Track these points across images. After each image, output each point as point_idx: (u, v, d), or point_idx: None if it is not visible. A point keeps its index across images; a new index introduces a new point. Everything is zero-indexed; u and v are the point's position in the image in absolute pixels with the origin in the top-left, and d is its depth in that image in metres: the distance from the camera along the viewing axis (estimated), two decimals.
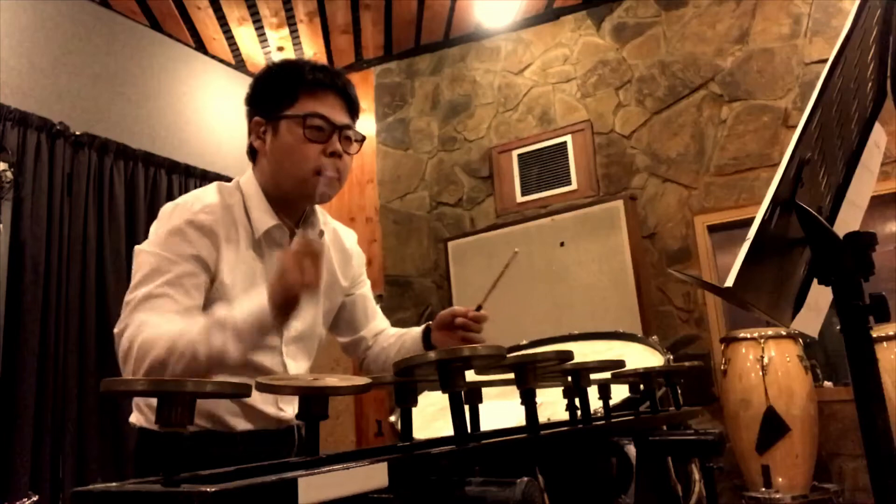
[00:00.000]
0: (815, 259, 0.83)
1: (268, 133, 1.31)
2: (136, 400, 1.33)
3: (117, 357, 1.16)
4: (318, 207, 1.42)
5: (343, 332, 1.55)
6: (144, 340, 1.09)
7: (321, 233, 1.41)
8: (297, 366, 1.37)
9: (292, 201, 1.34)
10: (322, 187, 1.26)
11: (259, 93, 1.35)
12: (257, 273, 1.29)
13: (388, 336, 1.56)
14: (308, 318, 1.38)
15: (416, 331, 1.51)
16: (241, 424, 1.29)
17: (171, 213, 1.24)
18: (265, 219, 1.30)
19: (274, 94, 1.31)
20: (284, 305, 1.10)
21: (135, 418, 1.33)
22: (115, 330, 1.16)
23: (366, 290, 1.56)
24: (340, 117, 1.31)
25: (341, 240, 1.50)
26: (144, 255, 1.20)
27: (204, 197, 1.28)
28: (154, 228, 1.25)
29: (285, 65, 1.34)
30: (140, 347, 1.09)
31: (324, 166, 1.26)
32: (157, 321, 1.12)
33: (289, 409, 1.37)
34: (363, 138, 1.37)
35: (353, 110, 1.35)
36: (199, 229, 1.21)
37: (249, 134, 1.36)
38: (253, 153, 1.37)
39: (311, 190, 1.27)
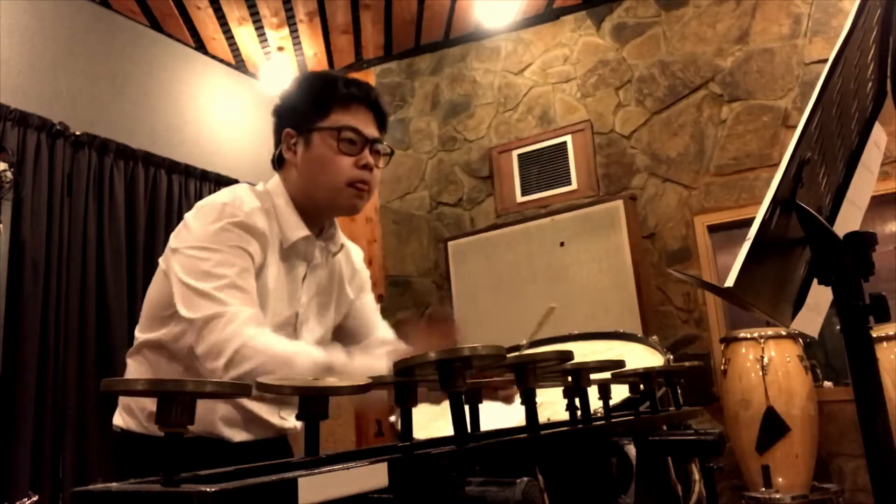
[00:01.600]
0: (815, 259, 0.83)
1: (299, 145, 1.33)
2: (124, 401, 1.32)
3: (199, 345, 1.12)
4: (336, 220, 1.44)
5: (346, 340, 1.54)
6: (248, 345, 1.08)
7: (341, 247, 1.44)
8: None
9: (320, 212, 1.36)
10: (354, 199, 1.31)
11: (291, 104, 1.36)
12: (284, 279, 1.30)
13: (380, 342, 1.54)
14: (319, 331, 1.40)
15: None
16: (239, 436, 1.29)
17: (220, 212, 1.21)
18: (296, 229, 1.30)
19: (307, 106, 1.32)
20: None
21: (120, 420, 1.31)
22: (197, 316, 1.12)
23: (367, 299, 1.56)
24: (372, 131, 1.33)
25: (351, 258, 1.53)
26: (194, 251, 1.17)
27: (246, 199, 1.26)
28: (195, 224, 1.21)
29: (319, 77, 1.38)
30: (248, 350, 1.08)
31: (357, 178, 1.29)
32: (260, 329, 1.11)
33: (291, 418, 1.37)
34: (392, 152, 1.40)
35: (383, 123, 1.38)
36: (249, 230, 1.21)
37: (278, 144, 1.36)
38: (279, 162, 1.37)
39: (345, 201, 1.31)
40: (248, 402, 1.29)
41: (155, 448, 1.19)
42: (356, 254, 1.55)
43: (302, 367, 1.07)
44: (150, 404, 1.24)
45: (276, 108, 1.38)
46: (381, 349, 1.21)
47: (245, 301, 1.14)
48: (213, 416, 1.26)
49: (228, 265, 1.16)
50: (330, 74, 1.37)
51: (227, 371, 1.07)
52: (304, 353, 1.11)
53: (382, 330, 1.57)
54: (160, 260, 1.28)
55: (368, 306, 1.55)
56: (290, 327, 1.32)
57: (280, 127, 1.36)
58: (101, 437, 3.23)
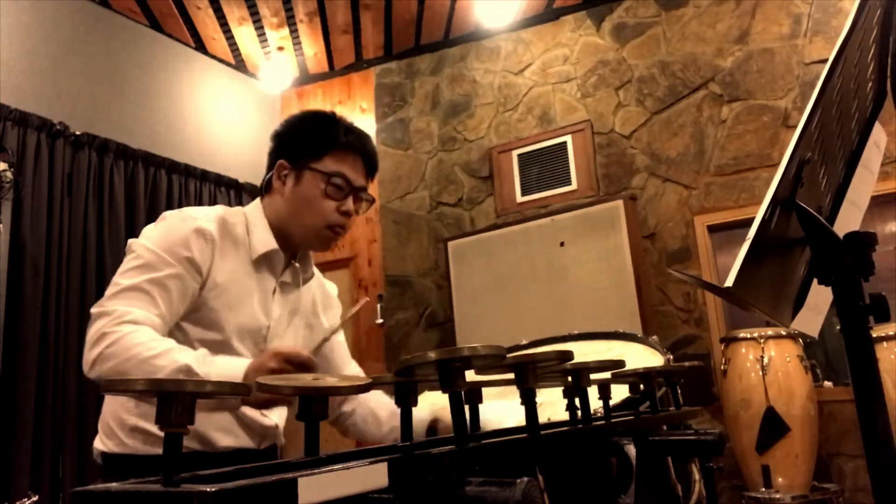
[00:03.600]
0: (815, 259, 0.83)
1: (289, 178, 1.38)
2: (106, 421, 1.31)
3: (87, 332, 1.19)
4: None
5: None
6: (118, 342, 1.13)
7: (312, 275, 1.49)
8: None
9: (295, 241, 1.41)
10: (329, 241, 1.39)
11: (291, 138, 1.41)
12: (252, 289, 1.34)
13: (381, 405, 1.48)
14: (291, 343, 1.42)
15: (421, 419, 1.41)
16: (225, 440, 1.30)
17: (173, 216, 1.30)
18: (265, 241, 1.36)
19: (305, 144, 1.38)
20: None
21: (100, 445, 1.31)
22: (94, 309, 1.20)
23: (341, 338, 1.57)
24: (360, 180, 1.40)
25: (324, 287, 1.57)
26: (139, 247, 1.26)
27: (208, 210, 1.35)
28: (154, 227, 1.30)
29: (323, 119, 1.41)
30: (111, 345, 1.13)
31: (336, 222, 1.37)
32: (136, 327, 1.15)
33: (272, 415, 1.39)
34: (374, 200, 1.47)
35: (372, 172, 1.45)
36: (198, 233, 1.28)
37: (269, 169, 1.42)
38: (267, 187, 1.43)
39: (319, 241, 1.39)
40: None
41: (139, 465, 1.23)
42: (331, 288, 1.60)
43: (159, 370, 1.10)
44: (133, 418, 1.26)
45: (275, 134, 1.43)
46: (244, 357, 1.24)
47: (144, 303, 1.19)
48: (205, 424, 1.28)
49: (153, 269, 1.22)
50: (334, 119, 1.41)
51: (93, 368, 1.14)
52: (168, 354, 1.12)
53: (353, 369, 1.58)
54: None
55: (342, 344, 1.57)
56: (260, 338, 1.35)
57: (275, 155, 1.42)
58: None
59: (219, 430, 1.30)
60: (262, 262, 1.37)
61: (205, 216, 1.31)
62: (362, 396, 1.50)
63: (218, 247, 1.30)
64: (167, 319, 1.22)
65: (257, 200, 1.44)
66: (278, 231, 1.39)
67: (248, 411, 1.33)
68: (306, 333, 1.47)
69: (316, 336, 1.49)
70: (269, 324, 1.36)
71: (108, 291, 1.22)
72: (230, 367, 1.14)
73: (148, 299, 1.20)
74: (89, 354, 1.15)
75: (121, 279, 1.23)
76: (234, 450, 1.31)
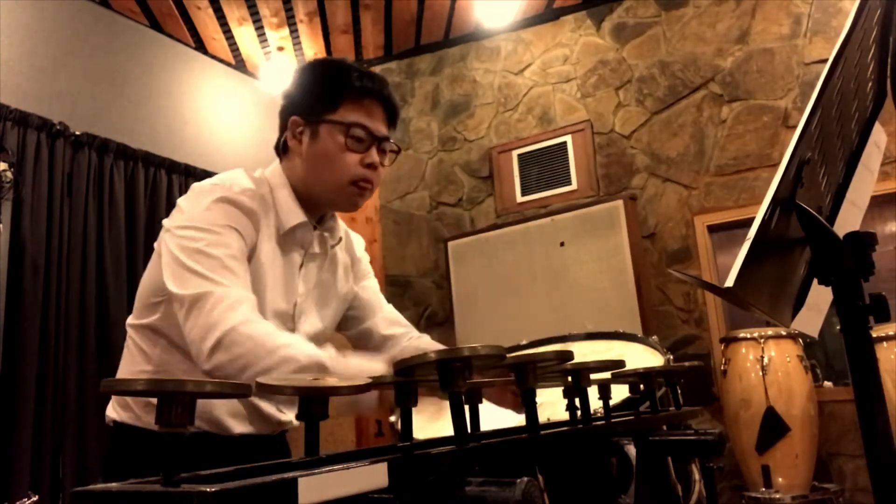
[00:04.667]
0: (815, 259, 0.83)
1: (305, 134, 1.28)
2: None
3: (185, 325, 1.09)
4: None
5: (348, 326, 1.51)
6: (237, 331, 1.04)
7: (340, 239, 1.40)
8: None
9: (320, 204, 1.32)
10: (356, 197, 1.28)
11: (301, 91, 1.30)
12: (279, 265, 1.26)
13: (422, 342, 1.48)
14: (319, 321, 1.37)
15: None
16: (239, 427, 1.28)
17: (209, 191, 1.19)
18: (293, 215, 1.27)
19: (317, 95, 1.27)
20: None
21: (113, 413, 1.27)
22: (185, 292, 1.09)
23: (369, 282, 1.52)
24: (382, 128, 1.29)
25: (353, 247, 1.49)
26: (186, 231, 1.14)
27: (239, 180, 1.24)
28: (186, 205, 1.20)
29: (332, 65, 1.30)
30: (236, 335, 1.04)
31: (361, 176, 1.26)
32: (249, 314, 1.07)
33: (289, 413, 1.36)
34: (399, 150, 1.35)
35: (393, 120, 1.33)
36: (240, 208, 1.18)
37: (283, 129, 1.32)
38: (283, 149, 1.33)
39: (346, 198, 1.28)
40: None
41: (152, 442, 1.11)
42: (357, 242, 1.51)
43: (291, 360, 1.02)
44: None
45: (285, 92, 1.33)
46: (382, 351, 1.18)
47: (236, 283, 1.10)
48: (216, 409, 1.25)
49: (221, 245, 1.12)
50: (344, 63, 1.29)
51: (213, 354, 1.03)
52: (296, 346, 1.06)
53: (387, 310, 1.52)
54: (155, 244, 1.26)
55: (371, 289, 1.51)
56: (289, 318, 1.29)
57: (287, 113, 1.31)
58: (101, 437, 3.23)
59: (234, 417, 1.27)
60: (290, 236, 1.27)
61: (242, 189, 1.21)
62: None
63: (260, 223, 1.22)
64: (252, 293, 1.13)
65: (277, 164, 1.33)
66: (301, 195, 1.29)
67: (266, 406, 1.30)
68: (336, 302, 1.41)
69: (344, 302, 1.43)
70: (295, 300, 1.29)
71: (184, 278, 1.09)
72: (360, 369, 1.04)
73: (233, 277, 1.10)
74: (204, 344, 1.04)
75: (193, 264, 1.09)
76: (248, 434, 1.29)
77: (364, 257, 1.53)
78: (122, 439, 1.26)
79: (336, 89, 1.26)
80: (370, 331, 1.50)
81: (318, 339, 1.36)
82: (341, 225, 1.43)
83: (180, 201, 1.21)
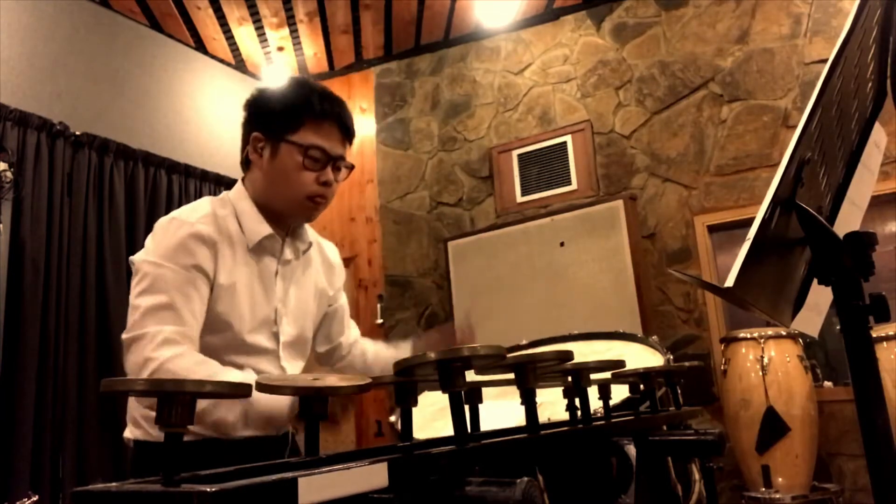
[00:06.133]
0: (815, 259, 0.83)
1: (265, 150, 1.36)
2: (132, 414, 1.35)
3: (125, 362, 1.19)
4: None
5: (321, 343, 1.61)
6: (162, 369, 1.14)
7: (309, 245, 1.49)
8: (292, 366, 1.43)
9: (282, 215, 1.41)
10: (311, 211, 1.38)
11: (264, 110, 1.39)
12: (254, 277, 1.35)
13: (366, 343, 1.67)
14: (300, 323, 1.45)
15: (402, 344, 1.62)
16: (241, 432, 1.29)
17: (168, 226, 1.28)
18: (259, 228, 1.36)
19: (280, 116, 1.35)
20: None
21: (130, 433, 1.35)
22: (126, 336, 1.19)
23: (343, 301, 1.64)
24: (338, 149, 1.38)
25: (325, 253, 1.58)
26: (147, 265, 1.24)
27: (198, 209, 1.33)
28: (152, 241, 1.29)
29: (295, 88, 1.38)
30: (157, 372, 1.14)
31: (316, 193, 1.36)
32: (177, 349, 1.17)
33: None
34: (352, 167, 1.45)
35: (349, 139, 1.42)
36: (197, 238, 1.27)
37: (244, 144, 1.41)
38: (246, 163, 1.42)
39: (301, 212, 1.38)
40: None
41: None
42: (330, 250, 1.61)
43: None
44: (151, 410, 1.27)
45: (248, 104, 1.41)
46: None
47: (174, 320, 1.19)
48: (221, 417, 1.27)
49: (167, 282, 1.21)
50: (306, 86, 1.38)
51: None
52: (220, 375, 1.17)
53: (353, 331, 1.66)
54: None
55: (343, 306, 1.62)
56: (272, 323, 1.37)
57: (249, 127, 1.39)
58: (101, 437, 3.23)
59: (238, 425, 1.29)
60: (260, 248, 1.36)
61: (198, 218, 1.30)
62: (356, 349, 1.63)
63: (218, 248, 1.30)
64: (196, 329, 1.23)
65: (239, 184, 1.42)
66: (264, 208, 1.38)
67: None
68: (315, 302, 1.50)
69: (322, 302, 1.54)
70: (275, 306, 1.38)
71: (133, 316, 1.20)
72: (274, 402, 1.20)
73: (174, 315, 1.20)
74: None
75: (140, 301, 1.21)
76: (252, 437, 1.32)
77: (339, 265, 1.62)
78: (142, 455, 1.33)
79: (298, 112, 1.34)
80: (340, 347, 1.63)
81: (300, 341, 1.46)
82: (310, 231, 1.52)
83: (147, 239, 1.31)
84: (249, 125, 1.40)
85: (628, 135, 3.99)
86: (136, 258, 1.27)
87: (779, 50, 3.67)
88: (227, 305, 1.28)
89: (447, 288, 4.12)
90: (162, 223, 1.30)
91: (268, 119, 1.37)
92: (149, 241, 1.29)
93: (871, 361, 0.80)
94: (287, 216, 1.41)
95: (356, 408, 4.40)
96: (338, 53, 4.72)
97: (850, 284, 0.81)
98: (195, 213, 1.31)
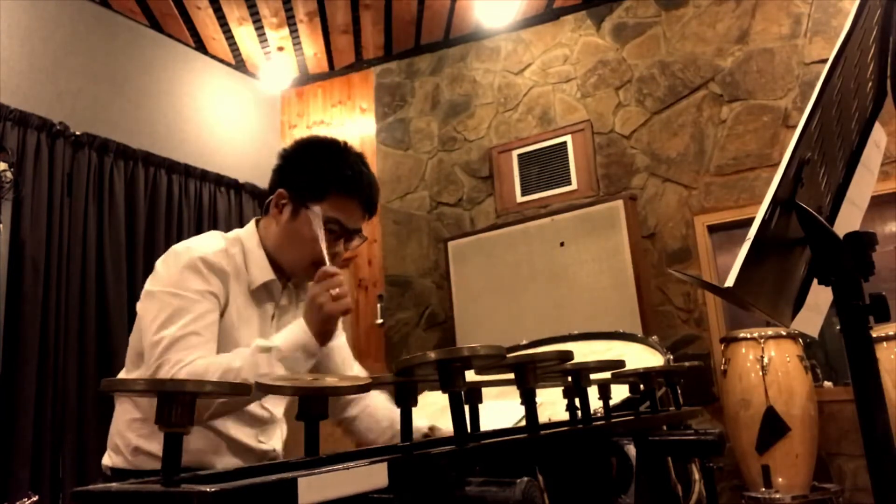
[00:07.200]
0: (815, 259, 0.83)
1: (287, 208, 1.37)
2: (114, 440, 1.35)
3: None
4: None
5: None
6: (193, 371, 1.15)
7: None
8: (277, 409, 1.46)
9: (286, 271, 1.42)
10: (313, 275, 1.36)
11: (295, 168, 1.39)
12: (253, 318, 1.36)
13: (383, 412, 1.53)
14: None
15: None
16: (222, 463, 1.31)
17: (181, 254, 1.29)
18: (262, 273, 1.37)
19: (307, 180, 1.36)
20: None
21: (109, 460, 1.35)
22: (147, 373, 1.20)
23: (342, 341, 1.59)
24: (356, 223, 1.40)
25: None
26: (162, 294, 1.24)
27: (211, 242, 1.34)
28: (163, 268, 1.29)
29: (328, 154, 1.38)
30: (191, 375, 1.15)
31: (322, 261, 1.33)
32: (196, 356, 1.18)
33: (270, 441, 1.41)
34: (366, 238, 1.46)
35: (371, 214, 1.44)
36: (212, 268, 1.28)
37: (271, 187, 1.41)
38: (266, 209, 1.43)
39: (305, 274, 1.38)
40: (227, 428, 1.32)
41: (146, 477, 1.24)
42: None
43: (244, 364, 1.17)
44: (136, 439, 1.30)
45: (282, 156, 1.41)
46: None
47: (195, 347, 1.20)
48: (196, 446, 1.28)
49: (187, 312, 1.22)
50: (339, 154, 1.38)
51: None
52: (237, 354, 1.20)
53: (356, 371, 1.62)
54: (137, 305, 1.32)
55: (345, 348, 1.58)
56: None
57: (278, 180, 1.40)
58: (101, 437, 3.22)
59: (215, 454, 1.31)
60: (261, 291, 1.37)
61: (211, 249, 1.31)
62: (367, 404, 1.53)
63: (230, 283, 1.31)
64: (215, 351, 1.24)
65: (252, 225, 1.43)
66: (271, 256, 1.39)
67: (245, 438, 1.35)
68: None
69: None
70: None
71: (158, 349, 1.19)
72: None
73: (202, 341, 1.21)
74: None
75: (164, 332, 1.20)
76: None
77: None
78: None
79: (326, 183, 1.35)
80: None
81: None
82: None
83: (158, 264, 1.31)
84: (277, 177, 1.40)
85: (628, 135, 3.99)
86: (153, 288, 1.27)
87: (779, 50, 3.67)
88: (227, 337, 1.29)
89: (447, 288, 4.11)
90: (177, 251, 1.30)
91: (296, 180, 1.37)
92: (161, 267, 1.29)
93: (871, 361, 0.80)
94: (290, 273, 1.41)
95: None
96: (338, 53, 4.72)
97: (850, 284, 0.81)
98: (209, 247, 1.31)
